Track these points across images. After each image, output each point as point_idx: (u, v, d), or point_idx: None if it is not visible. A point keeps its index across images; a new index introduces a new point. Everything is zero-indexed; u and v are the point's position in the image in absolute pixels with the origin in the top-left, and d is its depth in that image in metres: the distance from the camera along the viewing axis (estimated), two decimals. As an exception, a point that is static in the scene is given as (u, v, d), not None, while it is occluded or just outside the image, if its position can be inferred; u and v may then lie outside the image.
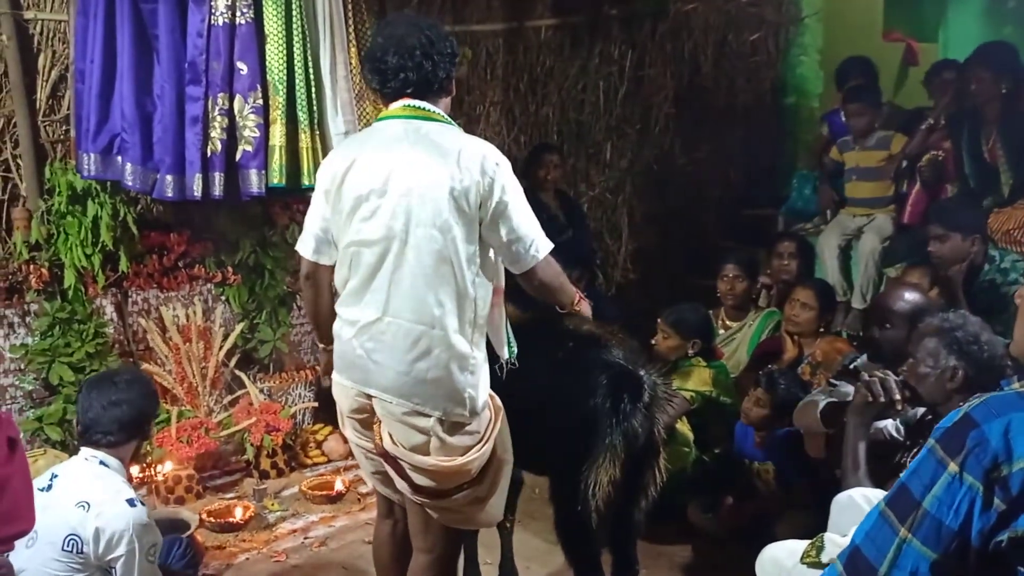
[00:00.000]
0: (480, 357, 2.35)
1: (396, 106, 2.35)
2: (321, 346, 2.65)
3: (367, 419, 2.43)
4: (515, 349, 2.52)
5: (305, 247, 2.47)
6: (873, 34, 6.05)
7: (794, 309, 3.94)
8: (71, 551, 2.34)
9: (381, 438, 2.37)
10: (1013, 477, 1.26)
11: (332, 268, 2.44)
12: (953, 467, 1.30)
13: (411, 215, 2.23)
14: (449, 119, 2.38)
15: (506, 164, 2.29)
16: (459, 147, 2.25)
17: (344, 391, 2.45)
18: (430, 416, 2.28)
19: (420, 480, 2.35)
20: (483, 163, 2.24)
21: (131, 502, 2.41)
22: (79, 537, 2.34)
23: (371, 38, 2.51)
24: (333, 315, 2.44)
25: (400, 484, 2.42)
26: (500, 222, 2.26)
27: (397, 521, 2.68)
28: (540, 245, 2.32)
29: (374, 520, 3.73)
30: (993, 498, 1.27)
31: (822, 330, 3.93)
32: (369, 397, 2.36)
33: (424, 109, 2.33)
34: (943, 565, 1.30)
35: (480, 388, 2.34)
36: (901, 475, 1.43)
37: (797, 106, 6.19)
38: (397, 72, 2.30)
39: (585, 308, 2.63)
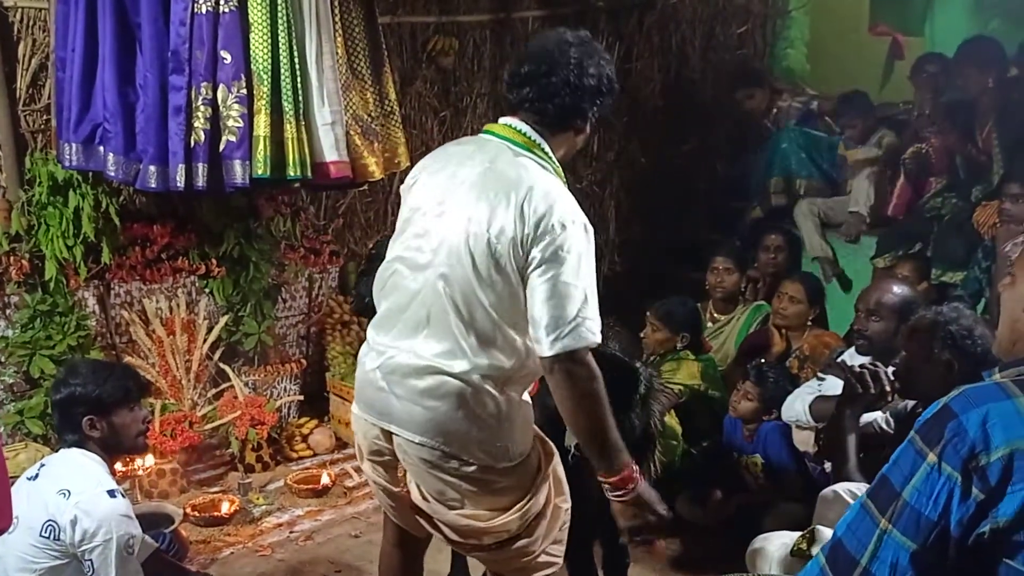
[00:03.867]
0: (513, 407, 2.07)
1: (502, 121, 2.12)
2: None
3: (389, 462, 2.21)
4: None
5: None
6: (859, 27, 6.07)
7: (782, 302, 3.95)
8: (48, 537, 2.31)
9: (408, 490, 2.19)
10: (991, 466, 1.26)
11: None
12: (932, 457, 1.30)
13: (453, 249, 2.00)
14: (548, 157, 2.07)
15: (576, 227, 1.95)
16: (526, 191, 1.94)
17: (362, 428, 2.21)
18: (459, 461, 2.03)
19: (453, 536, 2.16)
20: (544, 216, 1.93)
21: (111, 493, 2.37)
22: (56, 524, 2.31)
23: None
24: None
25: (435, 533, 2.24)
26: (535, 287, 1.93)
27: (407, 549, 2.42)
28: (576, 332, 1.89)
29: (361, 513, 3.76)
30: (971, 487, 1.27)
31: (810, 323, 3.94)
32: (390, 439, 2.12)
33: (523, 134, 2.06)
34: (923, 556, 1.30)
35: (516, 436, 2.08)
36: (883, 467, 1.44)
37: (784, 99, 6.19)
38: (523, 84, 2.05)
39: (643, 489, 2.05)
